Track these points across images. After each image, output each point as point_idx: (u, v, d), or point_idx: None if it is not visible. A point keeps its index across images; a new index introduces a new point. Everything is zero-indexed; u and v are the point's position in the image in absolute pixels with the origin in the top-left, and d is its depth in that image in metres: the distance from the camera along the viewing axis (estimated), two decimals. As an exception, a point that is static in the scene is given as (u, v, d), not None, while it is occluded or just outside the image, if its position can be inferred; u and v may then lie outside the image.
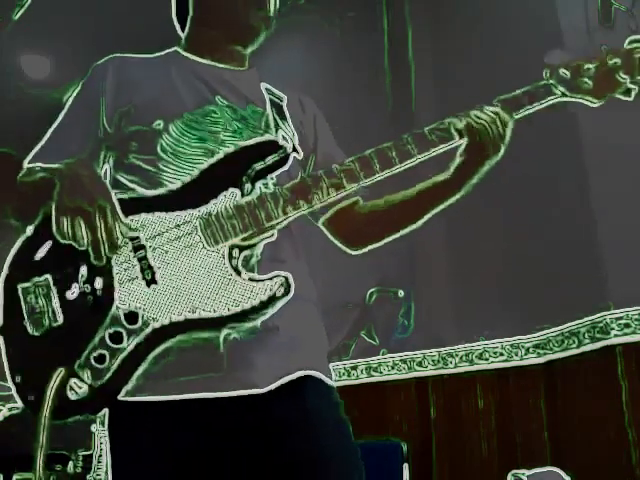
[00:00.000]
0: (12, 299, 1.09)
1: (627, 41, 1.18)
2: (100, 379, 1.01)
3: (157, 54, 1.33)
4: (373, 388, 3.20)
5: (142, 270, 1.05)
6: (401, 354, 3.17)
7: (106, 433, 1.11)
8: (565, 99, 1.18)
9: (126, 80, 1.22)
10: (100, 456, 3.09)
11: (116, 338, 1.02)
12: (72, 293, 1.06)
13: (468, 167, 1.20)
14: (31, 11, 4.76)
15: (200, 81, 1.25)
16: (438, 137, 1.15)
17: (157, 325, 1.02)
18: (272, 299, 1.03)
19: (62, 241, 1.02)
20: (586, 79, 1.18)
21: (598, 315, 2.47)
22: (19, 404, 1.06)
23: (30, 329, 1.06)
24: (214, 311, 1.03)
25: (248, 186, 1.10)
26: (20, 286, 1.09)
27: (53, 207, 1.04)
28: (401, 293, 3.33)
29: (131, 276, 1.05)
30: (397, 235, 1.31)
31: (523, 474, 2.24)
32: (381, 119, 3.64)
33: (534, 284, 2.76)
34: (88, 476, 3.11)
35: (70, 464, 3.22)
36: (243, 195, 1.09)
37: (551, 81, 1.19)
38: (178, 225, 1.08)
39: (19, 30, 4.95)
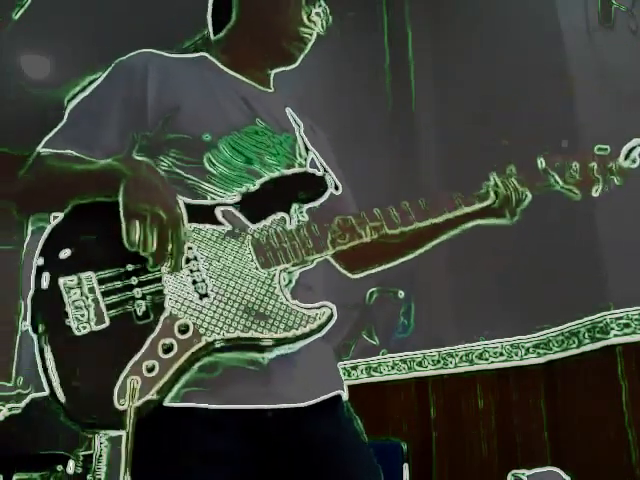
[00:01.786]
0: (51, 294, 1.01)
1: (595, 148, 1.38)
2: (150, 390, 0.97)
3: (188, 56, 1.32)
4: (373, 388, 3.20)
5: (194, 282, 1.04)
6: (401, 354, 3.17)
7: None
8: (557, 188, 1.36)
9: (168, 84, 1.19)
10: (100, 456, 3.09)
11: (167, 348, 0.99)
12: (121, 296, 1.01)
13: (474, 216, 1.29)
14: (31, 11, 4.76)
15: (241, 99, 1.25)
16: (476, 197, 1.26)
17: (210, 339, 1.01)
18: (320, 328, 1.06)
19: (129, 247, 0.99)
20: (572, 174, 1.35)
21: (598, 315, 2.47)
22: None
23: (74, 329, 0.99)
24: (266, 332, 1.03)
25: (294, 214, 1.14)
26: (62, 280, 1.01)
27: (122, 209, 1.00)
28: (401, 293, 3.33)
29: (183, 287, 1.03)
30: (395, 263, 1.38)
31: (523, 474, 2.24)
32: (381, 119, 3.64)
33: (534, 284, 2.76)
34: (88, 476, 3.11)
35: (70, 464, 3.22)
36: (290, 222, 1.12)
37: (549, 169, 1.34)
38: (230, 240, 1.08)
39: (19, 30, 4.95)
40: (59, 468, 3.27)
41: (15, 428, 3.66)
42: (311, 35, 1.33)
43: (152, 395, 0.96)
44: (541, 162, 1.34)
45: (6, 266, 6.48)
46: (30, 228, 6.88)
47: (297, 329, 1.04)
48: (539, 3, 3.09)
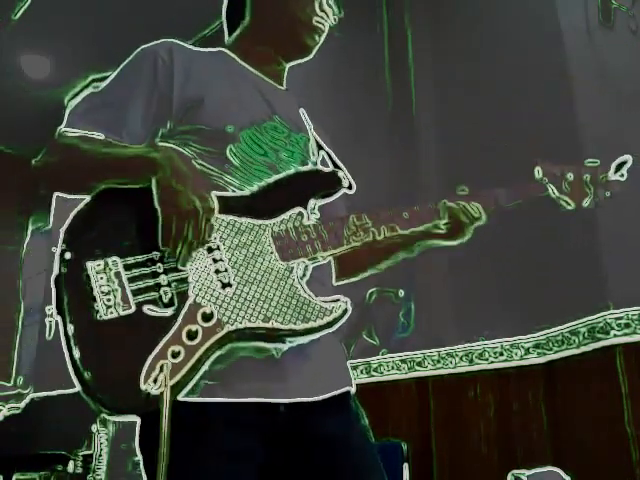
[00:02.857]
0: (77, 277, 1.01)
1: (586, 162, 1.43)
2: (174, 376, 0.98)
3: (206, 49, 1.33)
4: (373, 388, 3.20)
5: (217, 271, 1.06)
6: (401, 354, 3.17)
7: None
8: (553, 196, 1.40)
9: (192, 75, 1.20)
10: (100, 456, 3.09)
11: (192, 335, 1.00)
12: (147, 283, 1.02)
13: (428, 237, 1.32)
14: (31, 11, 4.77)
15: (260, 95, 1.27)
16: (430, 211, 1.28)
17: (232, 328, 1.02)
18: (335, 321, 1.08)
19: (163, 239, 1.01)
20: (566, 185, 1.39)
21: (598, 315, 2.46)
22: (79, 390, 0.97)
23: (101, 313, 0.99)
24: (286, 323, 1.05)
25: (311, 209, 1.15)
26: (90, 264, 1.02)
27: (158, 200, 1.03)
28: (401, 293, 3.33)
29: (207, 275, 1.05)
30: (365, 275, 1.43)
31: (523, 474, 2.24)
32: (381, 119, 3.64)
33: (534, 284, 2.76)
34: (88, 476, 3.11)
35: (70, 464, 3.22)
36: (308, 217, 1.14)
37: (545, 179, 1.39)
38: (251, 231, 1.10)
39: (19, 30, 4.95)
40: (59, 468, 3.27)
41: (15, 428, 3.67)
42: (324, 26, 1.34)
43: (176, 381, 0.98)
44: (538, 171, 1.37)
45: (6, 266, 6.49)
46: (30, 228, 6.89)
47: (315, 321, 1.06)
48: (539, 3, 3.09)
